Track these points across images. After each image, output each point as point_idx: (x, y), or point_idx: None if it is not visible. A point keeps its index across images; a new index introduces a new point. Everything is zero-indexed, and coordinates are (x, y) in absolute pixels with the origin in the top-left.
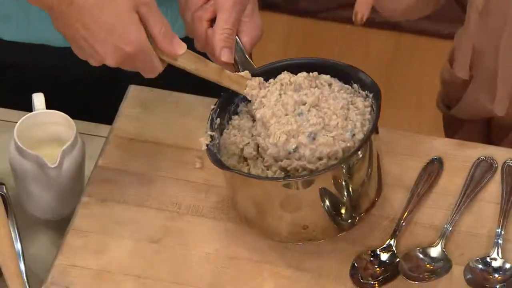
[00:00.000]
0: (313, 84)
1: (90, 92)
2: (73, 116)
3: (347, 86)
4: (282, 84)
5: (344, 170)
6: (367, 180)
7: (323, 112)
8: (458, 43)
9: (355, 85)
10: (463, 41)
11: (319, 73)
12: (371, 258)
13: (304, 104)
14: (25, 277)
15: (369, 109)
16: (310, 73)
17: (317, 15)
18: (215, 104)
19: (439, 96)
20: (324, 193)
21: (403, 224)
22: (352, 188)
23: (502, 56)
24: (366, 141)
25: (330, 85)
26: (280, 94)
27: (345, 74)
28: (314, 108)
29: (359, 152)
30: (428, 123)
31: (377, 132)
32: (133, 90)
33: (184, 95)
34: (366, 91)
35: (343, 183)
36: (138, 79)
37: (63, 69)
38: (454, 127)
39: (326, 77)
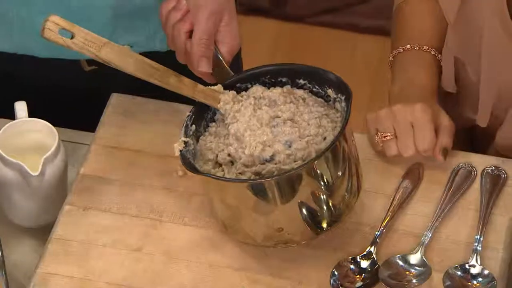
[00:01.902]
0: (287, 99)
1: (73, 100)
2: (56, 124)
3: (320, 99)
4: (255, 98)
5: (317, 169)
6: (342, 181)
7: (299, 124)
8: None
9: (329, 90)
10: (445, 55)
11: (294, 78)
12: (351, 265)
13: (279, 117)
14: (5, 285)
15: (340, 118)
16: (284, 88)
17: (304, 20)
18: (190, 111)
19: None
20: (298, 193)
21: (383, 231)
22: (326, 189)
23: (484, 68)
24: (337, 139)
25: (304, 99)
26: (254, 109)
27: (318, 77)
28: (290, 121)
29: (330, 150)
30: None
31: (353, 140)
32: (115, 98)
33: (166, 103)
34: (339, 94)
35: (317, 183)
36: (120, 87)
37: (46, 78)
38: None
39: (300, 92)
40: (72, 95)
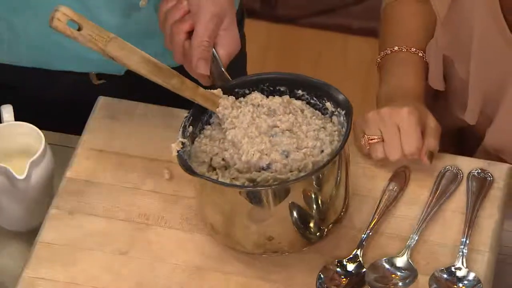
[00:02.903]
0: (287, 110)
1: (60, 103)
2: (42, 127)
3: (317, 112)
4: (254, 105)
5: (313, 182)
6: (335, 193)
7: (297, 135)
8: (429, 55)
9: (327, 103)
10: (433, 53)
11: (293, 88)
12: (338, 269)
13: (277, 127)
14: None
15: (337, 132)
16: (284, 98)
17: (295, 21)
18: (188, 112)
19: None
20: (292, 204)
21: (370, 234)
22: (320, 201)
23: (473, 65)
24: (336, 155)
25: (302, 111)
26: (253, 117)
27: (318, 91)
28: (288, 131)
29: (329, 165)
30: None
31: (348, 155)
32: (102, 102)
33: (152, 106)
34: (339, 108)
35: (312, 195)
36: (107, 91)
37: (33, 81)
38: None
39: (298, 103)
40: (56, 98)
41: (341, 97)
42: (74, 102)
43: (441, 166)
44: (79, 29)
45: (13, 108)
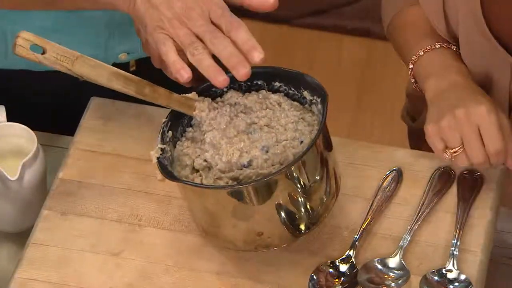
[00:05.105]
0: (263, 106)
1: (53, 104)
2: (35, 128)
3: (296, 103)
4: (231, 105)
5: (294, 173)
6: (320, 183)
7: (275, 129)
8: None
9: (305, 92)
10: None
11: (270, 81)
12: (330, 269)
13: (255, 123)
14: None
15: (316, 122)
16: (260, 94)
17: (290, 22)
18: (166, 117)
19: (404, 109)
20: (276, 196)
21: (363, 234)
22: (304, 192)
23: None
24: (314, 142)
25: (279, 104)
26: (230, 117)
27: (294, 80)
28: (266, 126)
29: (308, 154)
30: (400, 129)
31: (330, 142)
32: (95, 102)
33: (145, 106)
34: (315, 96)
35: (296, 186)
36: (100, 91)
37: (26, 82)
38: (418, 140)
39: (275, 97)
40: (49, 98)
41: (315, 84)
42: (67, 102)
43: (434, 166)
44: (43, 53)
45: (5, 109)
